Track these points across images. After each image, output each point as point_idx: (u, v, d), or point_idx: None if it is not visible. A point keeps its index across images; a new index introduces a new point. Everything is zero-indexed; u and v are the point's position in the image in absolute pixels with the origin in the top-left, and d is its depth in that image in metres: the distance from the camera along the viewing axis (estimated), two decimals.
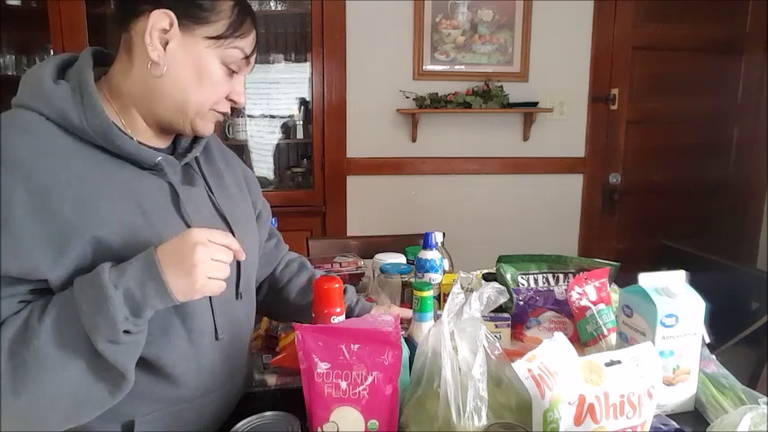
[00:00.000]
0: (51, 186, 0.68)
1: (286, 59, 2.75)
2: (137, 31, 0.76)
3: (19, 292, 0.68)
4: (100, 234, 0.70)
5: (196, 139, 0.89)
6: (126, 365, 0.68)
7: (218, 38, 0.77)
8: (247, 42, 0.81)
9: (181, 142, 0.90)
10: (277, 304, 1.09)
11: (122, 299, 0.65)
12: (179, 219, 0.79)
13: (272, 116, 2.79)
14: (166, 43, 0.75)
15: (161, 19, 0.74)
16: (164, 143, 0.87)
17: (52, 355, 0.64)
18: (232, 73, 0.81)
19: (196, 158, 0.89)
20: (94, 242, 0.70)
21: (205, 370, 0.82)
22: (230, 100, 0.84)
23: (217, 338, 0.82)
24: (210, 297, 0.80)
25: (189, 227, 0.78)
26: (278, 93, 2.79)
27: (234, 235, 0.85)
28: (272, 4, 2.57)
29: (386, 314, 0.82)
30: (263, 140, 2.83)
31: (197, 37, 0.77)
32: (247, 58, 0.82)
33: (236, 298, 0.88)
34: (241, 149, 2.82)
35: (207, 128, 0.84)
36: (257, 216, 1.04)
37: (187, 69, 0.77)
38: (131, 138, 0.79)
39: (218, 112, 0.84)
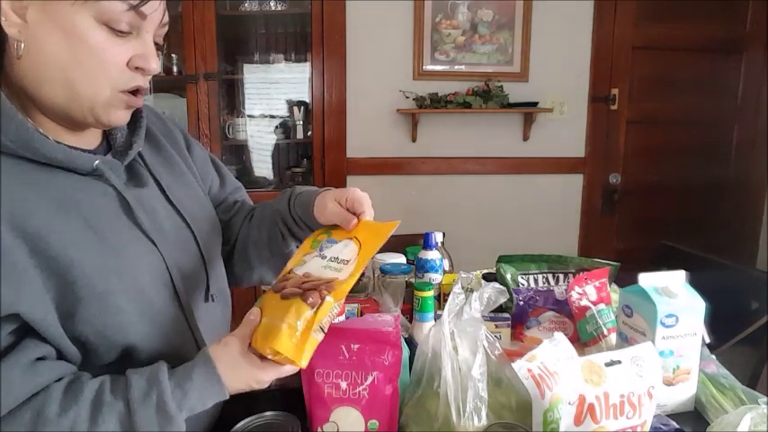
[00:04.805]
0: None
1: (286, 59, 2.75)
2: None
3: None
4: (47, 256, 0.60)
5: (132, 128, 0.77)
6: None
7: None
8: None
9: (115, 136, 0.76)
10: (244, 254, 0.95)
11: (185, 417, 0.64)
12: (134, 227, 0.71)
13: (272, 116, 2.80)
14: (25, 13, 0.60)
15: None
16: (91, 141, 0.73)
17: None
18: (122, 34, 0.62)
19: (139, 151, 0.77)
20: (44, 267, 0.60)
21: None
22: (137, 69, 0.65)
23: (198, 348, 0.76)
24: (183, 309, 0.75)
25: (146, 234, 0.71)
26: (278, 93, 2.79)
27: (194, 234, 0.79)
28: (272, 4, 2.57)
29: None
30: (262, 140, 2.83)
31: None
32: (135, 8, 0.61)
33: (206, 301, 0.80)
34: (241, 149, 2.82)
35: (117, 117, 0.68)
36: (208, 190, 0.93)
37: (55, 40, 0.60)
38: (58, 142, 0.66)
39: (129, 93, 0.66)
